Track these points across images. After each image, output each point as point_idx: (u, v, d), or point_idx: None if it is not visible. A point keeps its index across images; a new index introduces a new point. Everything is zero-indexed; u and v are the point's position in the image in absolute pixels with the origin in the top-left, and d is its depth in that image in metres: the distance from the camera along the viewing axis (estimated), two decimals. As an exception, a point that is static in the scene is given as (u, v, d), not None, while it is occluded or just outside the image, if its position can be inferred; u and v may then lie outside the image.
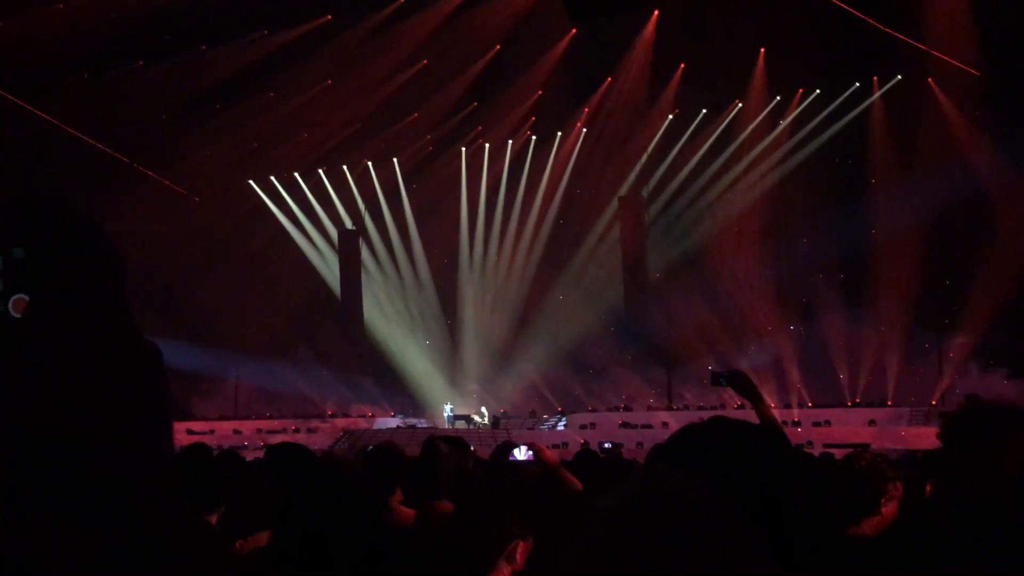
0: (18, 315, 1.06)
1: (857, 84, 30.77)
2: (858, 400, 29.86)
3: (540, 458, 3.96)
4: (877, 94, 30.73)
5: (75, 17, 24.37)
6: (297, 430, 32.36)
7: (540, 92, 31.92)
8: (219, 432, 31.34)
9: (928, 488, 3.33)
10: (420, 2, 28.01)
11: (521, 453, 4.00)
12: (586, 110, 33.34)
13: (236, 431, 31.82)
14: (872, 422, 27.83)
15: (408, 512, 3.81)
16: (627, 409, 31.23)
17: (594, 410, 32.11)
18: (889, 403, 29.20)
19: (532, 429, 31.39)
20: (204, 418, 34.25)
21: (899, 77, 29.79)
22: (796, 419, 28.61)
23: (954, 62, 26.95)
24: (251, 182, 35.81)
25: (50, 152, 27.94)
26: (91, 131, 29.42)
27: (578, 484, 3.97)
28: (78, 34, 24.37)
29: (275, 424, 33.30)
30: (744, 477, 1.42)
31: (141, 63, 27.88)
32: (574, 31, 29.26)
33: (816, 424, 28.07)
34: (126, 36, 25.55)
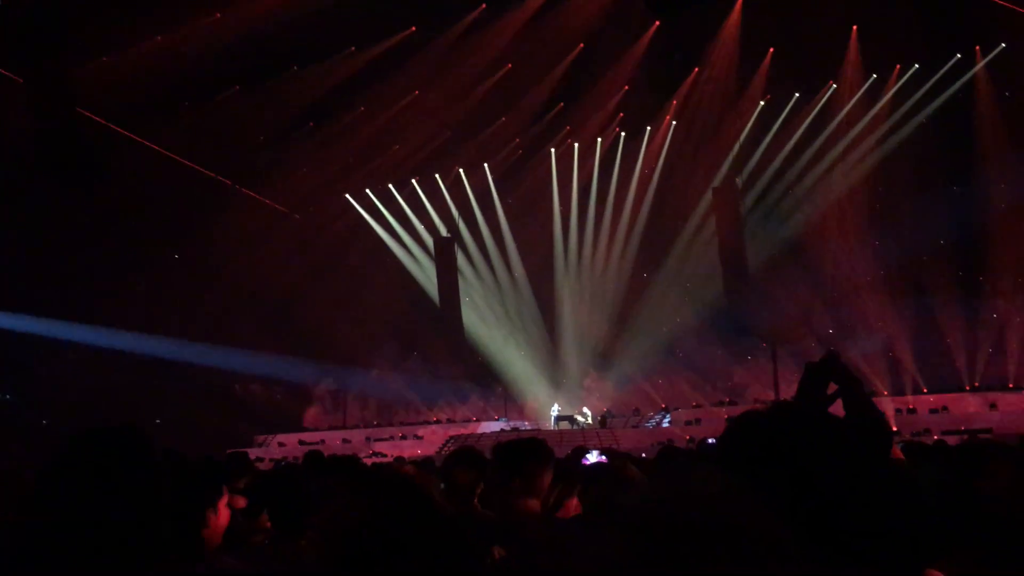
0: None
1: (958, 56, 29.44)
2: (977, 384, 28.57)
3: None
4: (980, 64, 29.35)
5: (172, 48, 25.39)
6: (404, 437, 32.95)
7: (627, 88, 31.66)
8: (329, 442, 32.17)
9: None
10: (501, 7, 28.13)
11: (593, 457, 4.00)
12: (674, 102, 32.91)
13: (345, 440, 32.58)
14: (993, 406, 26.60)
15: (488, 514, 3.84)
16: (732, 403, 30.66)
17: (698, 405, 31.66)
18: (1011, 385, 27.85)
19: (636, 427, 31.16)
20: (316, 428, 35.24)
21: (1003, 45, 28.38)
22: (911, 406, 27.60)
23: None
24: (348, 196, 36.64)
25: (158, 180, 29.17)
26: (194, 157, 30.63)
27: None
28: (176, 64, 25.37)
29: (382, 432, 33.98)
30: (803, 469, 1.38)
31: (237, 88, 28.84)
32: (657, 23, 28.90)
33: (933, 411, 27.02)
34: (221, 64, 26.47)
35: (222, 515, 3.22)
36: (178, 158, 29.97)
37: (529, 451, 3.60)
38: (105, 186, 22.94)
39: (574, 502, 4.11)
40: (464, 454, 4.35)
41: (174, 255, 32.10)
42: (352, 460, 5.89)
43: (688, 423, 29.92)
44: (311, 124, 31.32)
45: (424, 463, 8.81)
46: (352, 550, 1.84)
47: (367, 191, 36.78)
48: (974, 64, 29.49)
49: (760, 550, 1.09)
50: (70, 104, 19.02)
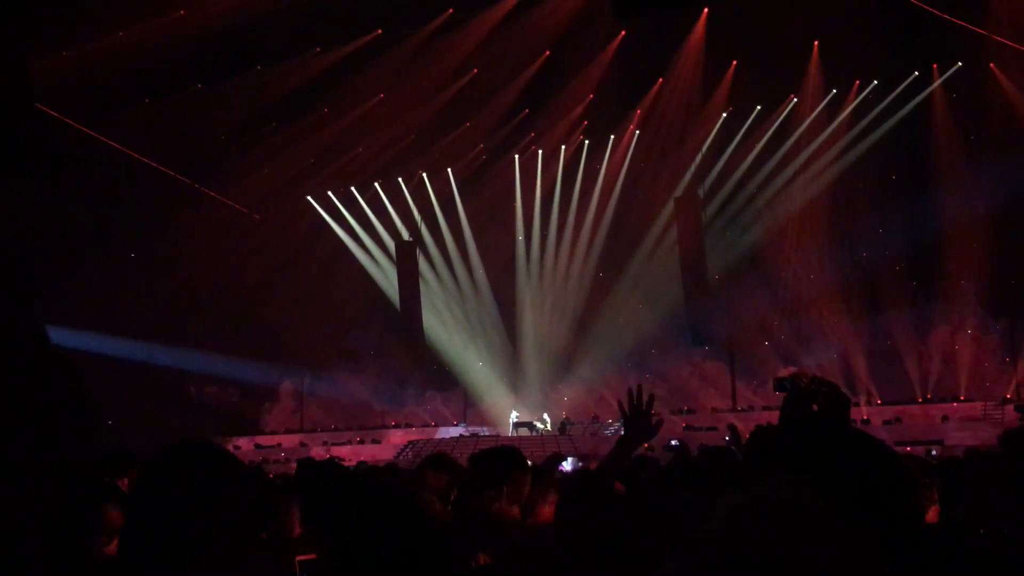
0: None
1: (916, 73, 30.04)
2: (929, 396, 29.09)
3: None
4: (937, 82, 29.97)
5: (135, 45, 25.01)
6: (362, 441, 32.71)
7: (591, 96, 31.82)
8: (286, 445, 31.85)
9: None
10: (469, 11, 28.12)
11: (568, 465, 4.00)
12: (638, 112, 33.13)
13: (303, 444, 32.26)
14: (945, 418, 27.10)
15: (465, 519, 3.83)
16: (690, 411, 30.88)
17: (656, 413, 31.79)
18: (961, 398, 28.41)
19: (595, 434, 31.22)
20: (272, 431, 34.86)
21: (959, 64, 29.02)
22: (865, 417, 28.00)
23: (1016, 46, 26.17)
24: (310, 198, 36.33)
25: (116, 177, 28.69)
26: (154, 155, 30.17)
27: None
28: (138, 61, 24.99)
29: (340, 436, 33.70)
30: (857, 481, 1.38)
31: (199, 86, 28.48)
32: (624, 33, 29.10)
33: (887, 422, 27.43)
34: (184, 60, 26.14)
35: None
36: (137, 155, 29.51)
37: (513, 459, 3.63)
38: (61, 179, 22.55)
39: (548, 508, 4.11)
40: (438, 459, 4.34)
41: (131, 253, 31.58)
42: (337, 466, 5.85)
43: (646, 431, 30.01)
44: (274, 124, 31.04)
45: (387, 468, 8.75)
46: (349, 555, 1.83)
47: (329, 193, 36.50)
48: (931, 81, 30.10)
49: (853, 559, 1.08)
50: (28, 99, 18.65)
